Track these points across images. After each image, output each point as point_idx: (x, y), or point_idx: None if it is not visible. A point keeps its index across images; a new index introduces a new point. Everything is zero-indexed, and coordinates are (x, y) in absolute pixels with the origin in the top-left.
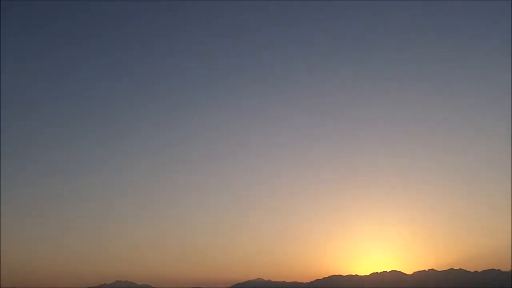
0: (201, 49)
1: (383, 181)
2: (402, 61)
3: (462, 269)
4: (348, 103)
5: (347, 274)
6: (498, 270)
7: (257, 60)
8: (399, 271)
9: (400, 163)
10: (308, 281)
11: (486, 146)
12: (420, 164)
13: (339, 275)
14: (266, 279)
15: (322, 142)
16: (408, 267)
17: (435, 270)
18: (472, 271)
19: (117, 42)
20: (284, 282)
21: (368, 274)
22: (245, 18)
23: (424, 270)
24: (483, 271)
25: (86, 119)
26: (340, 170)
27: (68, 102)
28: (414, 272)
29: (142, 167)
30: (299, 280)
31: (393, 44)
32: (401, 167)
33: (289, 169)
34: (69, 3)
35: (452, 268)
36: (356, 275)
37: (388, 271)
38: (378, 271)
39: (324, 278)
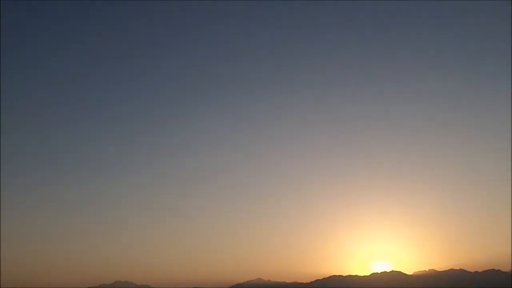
0: (202, 49)
1: (384, 182)
2: (404, 62)
3: (462, 269)
4: (350, 103)
5: (347, 274)
6: (498, 270)
7: (257, 60)
8: (400, 271)
9: (401, 164)
10: (308, 281)
11: (486, 147)
12: (421, 165)
13: (339, 275)
14: (266, 279)
15: (322, 143)
16: (409, 267)
17: (436, 270)
18: (472, 271)
19: (120, 43)
20: (284, 282)
21: (368, 274)
22: (250, 19)
23: (425, 270)
24: (483, 271)
25: (86, 120)
26: (341, 170)
27: (70, 103)
28: (415, 272)
29: (142, 168)
30: (299, 280)
31: (395, 44)
32: (402, 168)
33: (289, 169)
34: (70, 3)
35: (452, 268)
36: (356, 275)
37: (388, 271)
38: (379, 271)
39: (324, 278)
